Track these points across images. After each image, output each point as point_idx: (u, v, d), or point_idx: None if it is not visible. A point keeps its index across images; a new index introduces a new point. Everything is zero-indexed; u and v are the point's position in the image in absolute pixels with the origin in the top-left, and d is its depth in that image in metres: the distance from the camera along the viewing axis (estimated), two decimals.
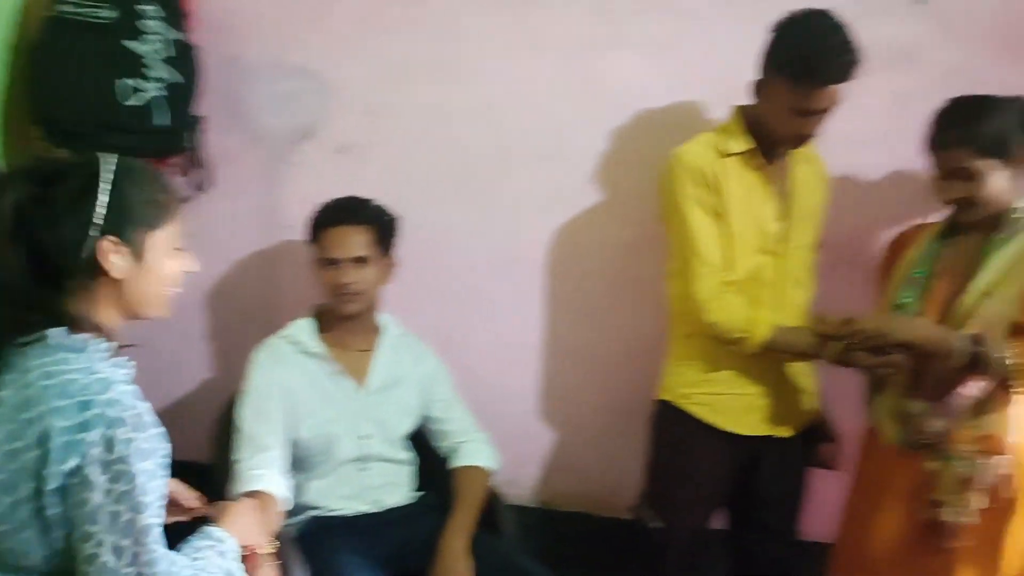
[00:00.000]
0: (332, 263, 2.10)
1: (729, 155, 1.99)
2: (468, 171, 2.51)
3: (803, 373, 2.12)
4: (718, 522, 2.24)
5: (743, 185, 2.00)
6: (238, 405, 2.09)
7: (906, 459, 1.90)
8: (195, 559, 1.32)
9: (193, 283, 2.59)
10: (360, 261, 2.10)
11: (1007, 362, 1.76)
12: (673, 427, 2.13)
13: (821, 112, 1.90)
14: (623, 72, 2.39)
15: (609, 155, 2.44)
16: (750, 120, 2.00)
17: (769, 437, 2.08)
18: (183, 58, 2.33)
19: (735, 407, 2.07)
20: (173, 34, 2.30)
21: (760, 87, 1.95)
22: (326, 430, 2.11)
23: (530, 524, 2.45)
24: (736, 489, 2.14)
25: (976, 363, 1.77)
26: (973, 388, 1.83)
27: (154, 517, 1.22)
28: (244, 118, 2.56)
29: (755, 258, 2.01)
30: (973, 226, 1.88)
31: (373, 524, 2.13)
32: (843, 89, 1.87)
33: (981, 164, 1.78)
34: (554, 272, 2.54)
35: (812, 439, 2.16)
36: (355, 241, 2.10)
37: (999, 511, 1.84)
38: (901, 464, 1.91)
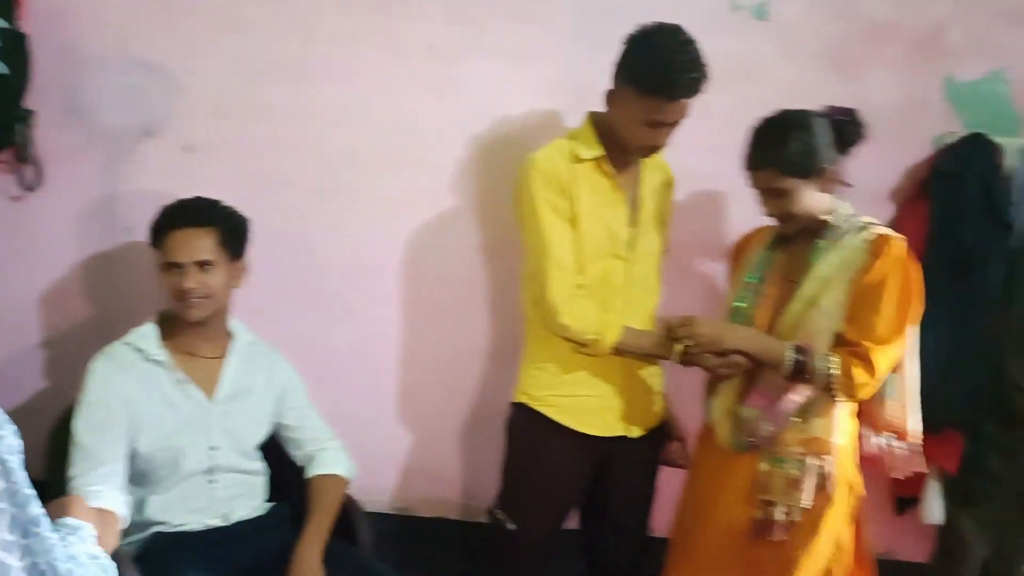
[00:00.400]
0: (175, 267, 2.00)
1: (581, 161, 2.03)
2: (324, 174, 2.47)
3: (652, 374, 2.19)
4: (572, 522, 2.28)
5: (594, 191, 2.04)
6: (75, 417, 1.97)
7: (738, 459, 2.00)
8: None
9: (25, 287, 2.46)
10: (205, 265, 2.01)
11: (829, 372, 1.89)
12: (527, 429, 2.15)
13: (670, 124, 1.96)
14: (482, 78, 2.41)
15: (467, 159, 2.45)
16: (602, 127, 2.05)
17: (620, 437, 2.14)
18: (12, 48, 2.20)
19: (587, 408, 2.11)
20: (0, 22, 2.17)
21: (612, 97, 2.00)
22: (171, 442, 2.01)
23: (388, 531, 2.42)
24: (588, 489, 2.19)
25: (801, 372, 1.90)
26: (800, 394, 1.94)
27: (40, 508, 1.15)
28: (81, 113, 2.42)
29: (605, 263, 2.06)
30: (799, 233, 2.00)
31: (222, 538, 2.04)
32: (691, 103, 1.94)
33: (789, 183, 1.90)
34: (411, 276, 2.53)
35: (661, 438, 2.23)
36: (199, 244, 2.01)
37: (820, 507, 1.96)
38: (734, 463, 2.01)
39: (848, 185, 1.99)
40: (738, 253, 2.17)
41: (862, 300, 1.90)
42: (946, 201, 2.36)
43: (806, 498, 1.94)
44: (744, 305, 2.02)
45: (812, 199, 1.93)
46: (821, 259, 1.93)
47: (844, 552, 2.03)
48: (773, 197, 1.93)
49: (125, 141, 2.44)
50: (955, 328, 2.36)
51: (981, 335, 2.36)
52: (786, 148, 1.88)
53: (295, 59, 2.41)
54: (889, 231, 1.97)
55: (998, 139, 2.37)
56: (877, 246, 1.91)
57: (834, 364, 1.89)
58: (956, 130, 2.42)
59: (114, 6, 2.39)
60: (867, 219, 1.99)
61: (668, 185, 2.22)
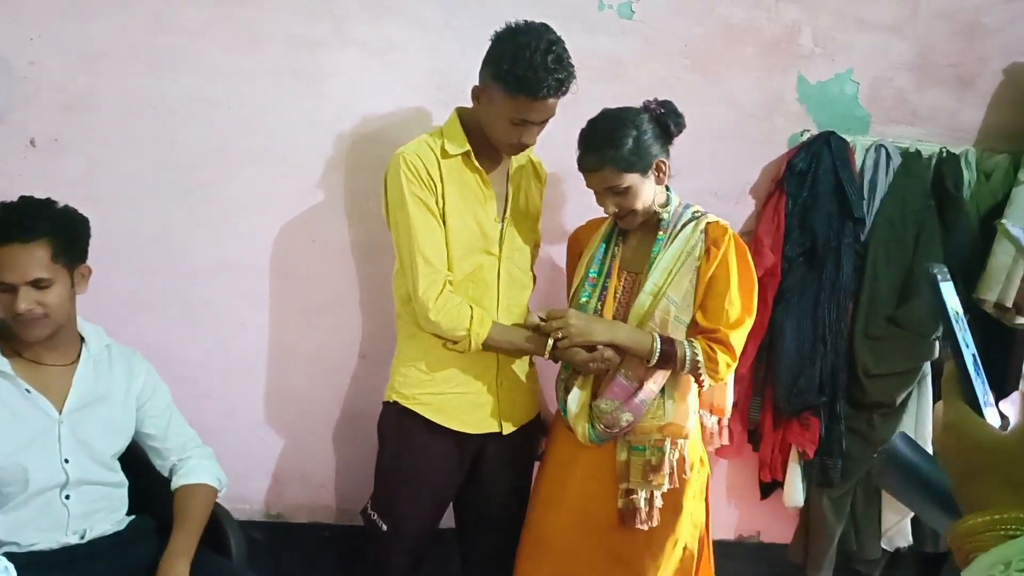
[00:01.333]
0: (6, 288, 1.84)
1: (449, 156, 2.02)
2: (183, 169, 2.37)
3: (524, 370, 2.21)
4: (447, 520, 2.26)
5: (463, 186, 2.04)
6: None
7: (593, 451, 2.05)
8: None
9: None
10: (39, 283, 1.84)
11: (697, 358, 1.97)
12: (399, 428, 2.13)
13: (537, 123, 1.98)
14: (346, 72, 2.36)
15: (332, 155, 2.40)
16: (469, 123, 2.05)
17: (493, 434, 2.14)
18: None
19: (459, 406, 2.10)
20: None
21: (479, 93, 2.00)
22: (19, 457, 1.87)
23: (260, 540, 2.34)
24: (462, 486, 2.18)
25: (668, 360, 1.97)
26: (657, 383, 2.01)
27: None
28: None
29: (476, 258, 2.06)
30: (636, 227, 2.07)
31: (79, 557, 1.93)
32: (557, 102, 1.95)
33: (628, 179, 1.96)
34: (278, 275, 2.46)
35: (533, 433, 2.25)
36: (30, 261, 1.82)
37: (680, 489, 2.04)
38: (588, 455, 2.06)
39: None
40: (575, 246, 2.21)
41: (710, 288, 2.00)
42: (800, 197, 2.48)
43: (666, 482, 2.00)
44: (588, 299, 2.06)
45: (649, 192, 2.00)
46: (662, 251, 2.01)
47: (698, 528, 2.13)
48: (613, 195, 1.98)
49: None
50: (811, 317, 2.49)
51: (834, 323, 2.49)
52: (621, 146, 1.93)
53: (145, 49, 2.30)
54: (717, 218, 2.06)
55: (848, 137, 2.51)
56: (713, 234, 2.01)
57: (699, 350, 1.97)
58: (810, 128, 2.54)
59: None
60: (696, 207, 2.08)
61: (539, 180, 2.23)
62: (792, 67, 2.52)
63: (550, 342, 2.00)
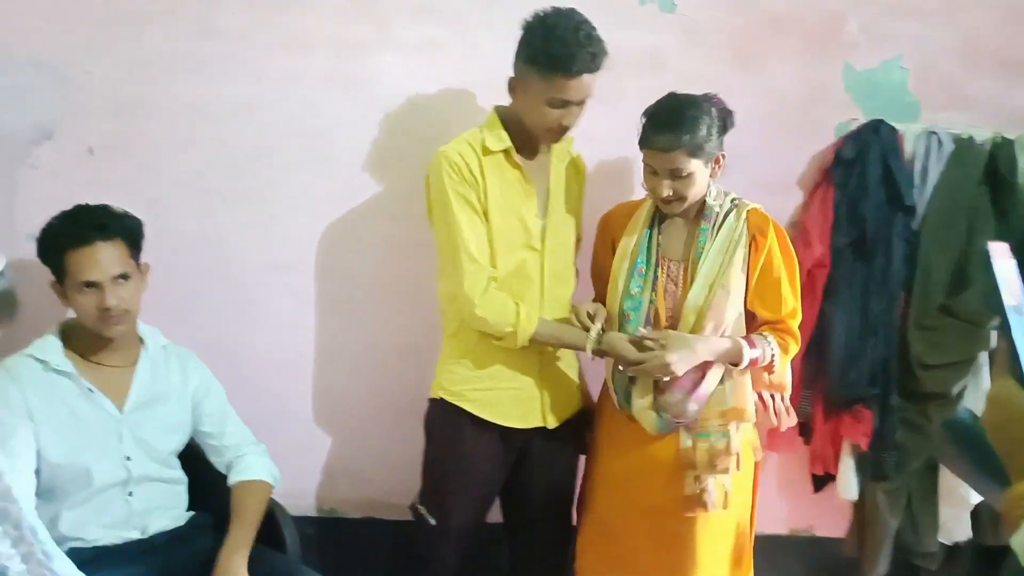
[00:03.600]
0: (91, 286, 1.93)
1: (490, 153, 2.03)
2: (233, 172, 2.43)
3: (569, 364, 2.21)
4: (495, 515, 2.28)
5: (504, 182, 2.05)
6: None
7: (655, 440, 2.06)
8: None
9: None
10: (121, 278, 1.95)
11: (774, 352, 2.03)
12: (446, 424, 2.15)
13: (575, 103, 1.98)
14: (389, 72, 2.39)
15: (377, 154, 2.43)
16: (507, 119, 2.06)
17: (539, 428, 2.15)
18: None
19: (506, 401, 2.12)
20: None
21: (514, 83, 2.02)
22: (81, 455, 1.94)
23: (314, 535, 2.38)
24: (509, 481, 2.20)
25: (755, 362, 2.02)
26: (717, 373, 2.03)
27: None
28: None
29: (519, 254, 2.07)
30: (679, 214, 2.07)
31: (141, 551, 1.98)
32: (592, 81, 1.96)
33: (693, 165, 1.95)
34: (325, 274, 2.50)
35: (579, 427, 2.25)
36: (113, 257, 1.94)
37: (743, 471, 2.07)
38: (651, 445, 2.07)
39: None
40: (607, 229, 2.19)
41: (763, 278, 2.03)
42: (849, 186, 2.44)
43: (733, 466, 2.02)
44: (641, 291, 2.06)
45: (703, 183, 2.00)
46: (708, 240, 2.02)
47: (746, 510, 2.15)
48: (673, 179, 1.96)
49: (21, 144, 2.36)
50: (861, 308, 2.45)
51: (885, 314, 2.45)
52: (697, 132, 1.93)
53: (194, 55, 2.36)
54: (755, 204, 2.08)
55: (898, 125, 2.47)
56: (756, 222, 2.04)
57: (774, 345, 2.03)
58: (857, 117, 2.50)
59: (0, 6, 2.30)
60: (732, 195, 2.08)
61: (579, 175, 2.24)
62: (838, 56, 2.48)
63: (592, 336, 2.01)
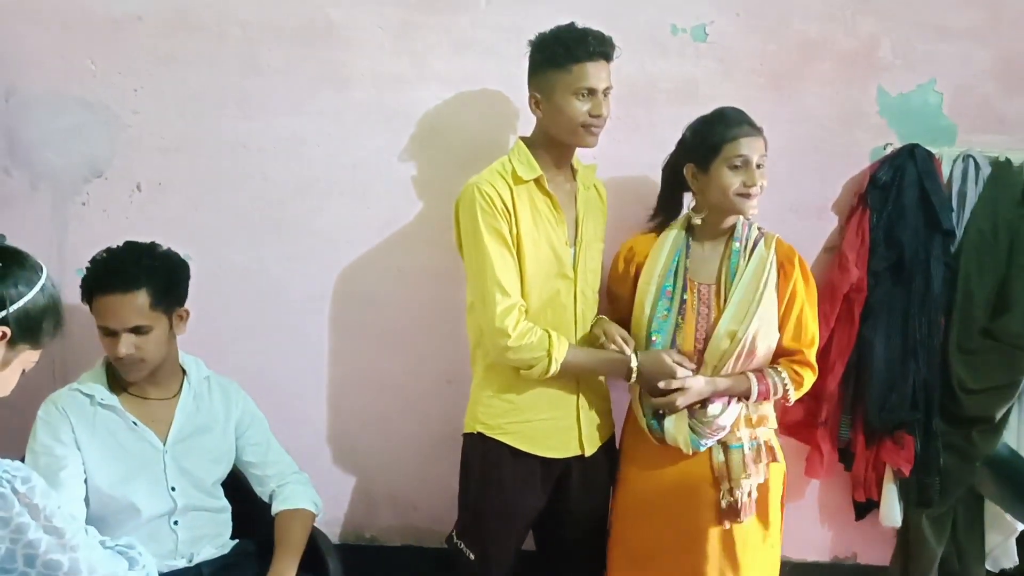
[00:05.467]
0: (108, 333, 1.95)
1: (521, 182, 2.05)
2: (274, 206, 2.48)
3: (600, 391, 2.22)
4: (528, 543, 2.28)
5: (535, 212, 2.06)
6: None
7: (688, 459, 2.08)
8: None
9: None
10: (139, 330, 1.94)
11: (787, 386, 2.08)
12: (485, 459, 2.14)
13: (601, 92, 2.00)
14: (427, 104, 2.43)
15: (418, 185, 2.47)
16: (535, 147, 2.08)
17: (577, 456, 2.15)
18: None
19: (544, 431, 2.12)
20: None
21: (537, 97, 2.05)
22: (128, 486, 1.97)
23: (357, 563, 2.39)
24: (544, 509, 2.19)
25: (764, 396, 2.08)
26: None
27: None
28: (24, 156, 2.40)
29: (552, 283, 2.08)
30: (705, 235, 2.11)
31: None
32: (609, 68, 2.00)
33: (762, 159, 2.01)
34: (365, 303, 2.53)
35: (611, 452, 2.25)
36: (130, 310, 1.92)
37: (763, 485, 2.10)
38: (676, 461, 2.10)
39: None
40: (630, 257, 2.21)
41: (789, 308, 2.08)
42: (885, 211, 2.43)
43: (761, 471, 2.07)
44: (668, 313, 2.08)
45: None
46: (740, 262, 2.05)
47: (776, 527, 2.16)
48: (758, 169, 2.01)
49: (71, 182, 2.43)
50: (901, 332, 2.43)
51: (926, 338, 2.43)
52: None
53: (237, 92, 2.42)
54: (774, 233, 2.12)
55: (934, 148, 2.46)
56: (783, 251, 2.09)
57: (787, 378, 2.08)
58: (892, 142, 2.49)
59: (50, 47, 2.38)
60: (756, 224, 2.13)
61: (602, 202, 2.25)
62: (871, 79, 2.48)
63: (633, 365, 2.03)
